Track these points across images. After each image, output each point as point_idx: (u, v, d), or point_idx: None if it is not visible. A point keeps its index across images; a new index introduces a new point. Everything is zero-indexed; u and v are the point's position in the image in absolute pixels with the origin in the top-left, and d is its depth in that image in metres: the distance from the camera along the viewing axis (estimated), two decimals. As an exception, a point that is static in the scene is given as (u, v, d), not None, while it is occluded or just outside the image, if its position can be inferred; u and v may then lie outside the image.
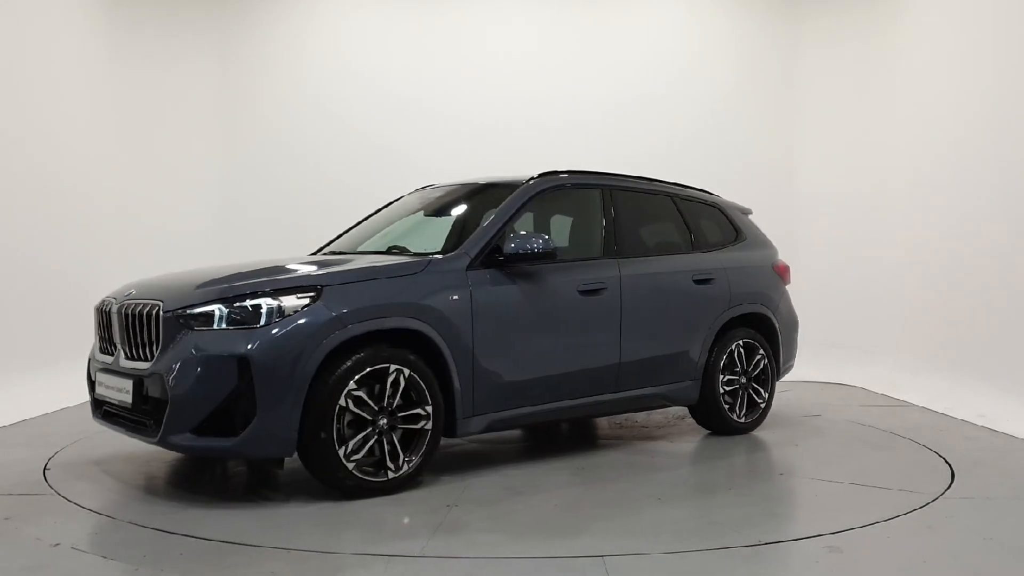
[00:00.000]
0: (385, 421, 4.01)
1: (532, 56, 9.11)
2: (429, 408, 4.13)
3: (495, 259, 4.50)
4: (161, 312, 3.94)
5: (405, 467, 4.07)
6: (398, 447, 4.05)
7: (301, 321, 3.83)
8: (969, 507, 3.96)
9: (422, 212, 5.43)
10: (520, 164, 6.04)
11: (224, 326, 3.83)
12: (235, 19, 9.07)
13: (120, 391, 4.12)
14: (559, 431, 5.90)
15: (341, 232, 5.82)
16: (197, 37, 8.93)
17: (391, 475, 4.03)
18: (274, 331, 3.79)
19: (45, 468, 4.61)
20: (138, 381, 3.99)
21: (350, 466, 3.91)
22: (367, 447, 3.97)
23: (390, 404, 4.02)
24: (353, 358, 3.92)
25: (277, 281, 3.98)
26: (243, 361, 3.73)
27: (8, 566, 3.13)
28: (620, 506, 3.96)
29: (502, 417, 4.53)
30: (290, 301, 3.87)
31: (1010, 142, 6.48)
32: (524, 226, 4.96)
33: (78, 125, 7.91)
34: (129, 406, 4.06)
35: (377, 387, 4.00)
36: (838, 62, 8.94)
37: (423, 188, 5.85)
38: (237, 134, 9.07)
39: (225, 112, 9.05)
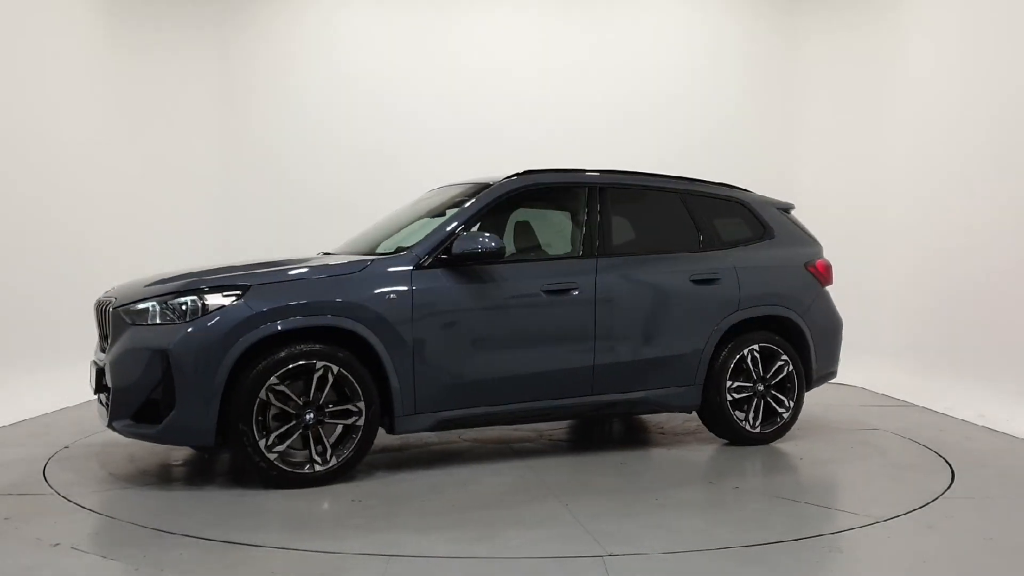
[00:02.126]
0: (311, 416, 4.17)
1: (535, 57, 9.08)
2: (361, 404, 4.25)
3: (446, 259, 4.53)
4: (111, 308, 4.32)
5: (333, 461, 4.22)
6: (325, 441, 4.20)
7: (220, 318, 4.06)
8: (969, 507, 3.96)
9: (432, 212, 5.39)
10: (524, 164, 6.02)
11: (157, 321, 4.15)
12: (235, 17, 9.06)
13: (93, 380, 4.51)
14: (608, 430, 5.85)
15: (357, 234, 5.78)
16: (197, 35, 8.90)
17: (318, 468, 4.20)
18: (194, 327, 4.05)
19: (45, 468, 4.61)
20: (100, 371, 4.37)
21: (272, 457, 4.11)
22: (290, 440, 4.15)
23: (317, 399, 4.18)
24: (274, 354, 4.11)
25: (205, 280, 4.22)
26: (164, 355, 4.02)
27: (8, 566, 3.13)
28: (510, 509, 3.88)
29: (453, 416, 4.54)
30: (215, 299, 4.11)
31: (1011, 143, 6.48)
32: (493, 226, 4.93)
33: (78, 124, 7.90)
34: (94, 393, 4.48)
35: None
36: (840, 67, 8.93)
37: (441, 187, 5.73)
38: (237, 134, 9.06)
39: (225, 111, 9.03)
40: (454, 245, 4.51)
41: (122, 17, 8.53)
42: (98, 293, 4.96)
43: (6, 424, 5.81)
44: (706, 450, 5.22)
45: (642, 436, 5.68)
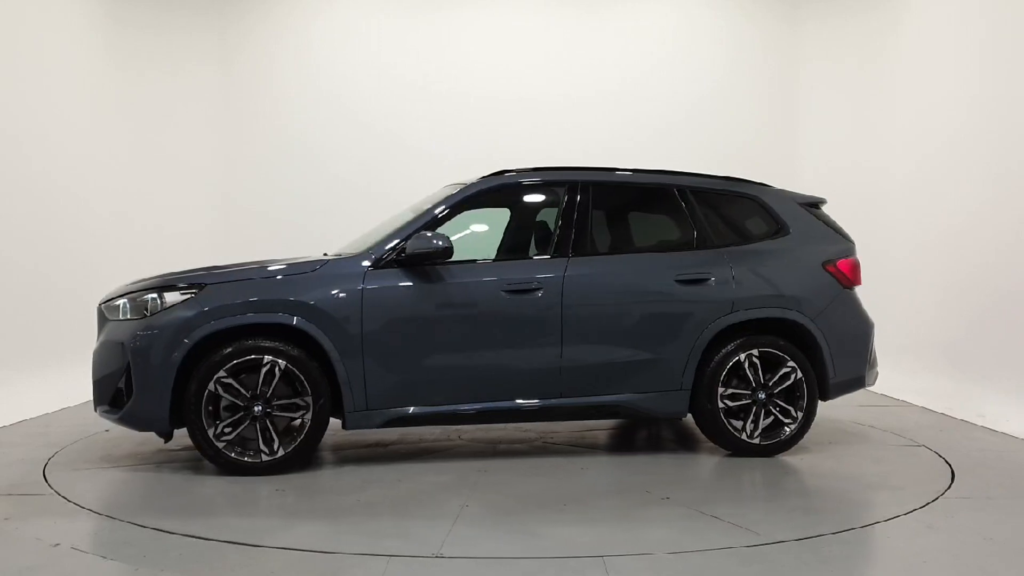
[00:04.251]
0: (260, 408, 4.39)
1: (542, 53, 9.08)
2: (308, 399, 4.43)
3: (401, 259, 4.60)
4: (98, 305, 4.73)
5: (281, 452, 4.43)
6: (272, 432, 4.42)
7: (173, 315, 4.38)
8: (969, 507, 3.96)
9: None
10: (527, 161, 6.01)
11: (127, 317, 4.49)
12: (236, 20, 9.06)
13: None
14: (650, 434, 5.75)
15: (364, 233, 5.76)
16: (197, 38, 8.91)
17: (265, 458, 4.43)
18: (148, 322, 4.39)
19: (45, 468, 4.62)
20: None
21: (220, 445, 4.38)
22: (238, 430, 4.39)
23: (264, 392, 4.39)
24: (223, 349, 4.36)
25: (167, 279, 4.58)
26: (123, 347, 4.37)
27: (8, 566, 3.13)
28: (407, 507, 3.94)
29: (408, 414, 4.58)
30: (172, 297, 4.43)
31: (1011, 141, 6.47)
32: (463, 226, 4.99)
33: (77, 124, 7.90)
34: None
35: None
36: (839, 64, 8.94)
37: (451, 184, 5.73)
38: (238, 135, 9.06)
39: (226, 113, 9.03)
40: (407, 245, 4.57)
41: (122, 20, 8.52)
42: (97, 294, 5.07)
43: (6, 424, 5.81)
44: (695, 460, 4.95)
45: (655, 442, 5.61)
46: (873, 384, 5.38)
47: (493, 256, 5.29)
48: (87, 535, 3.56)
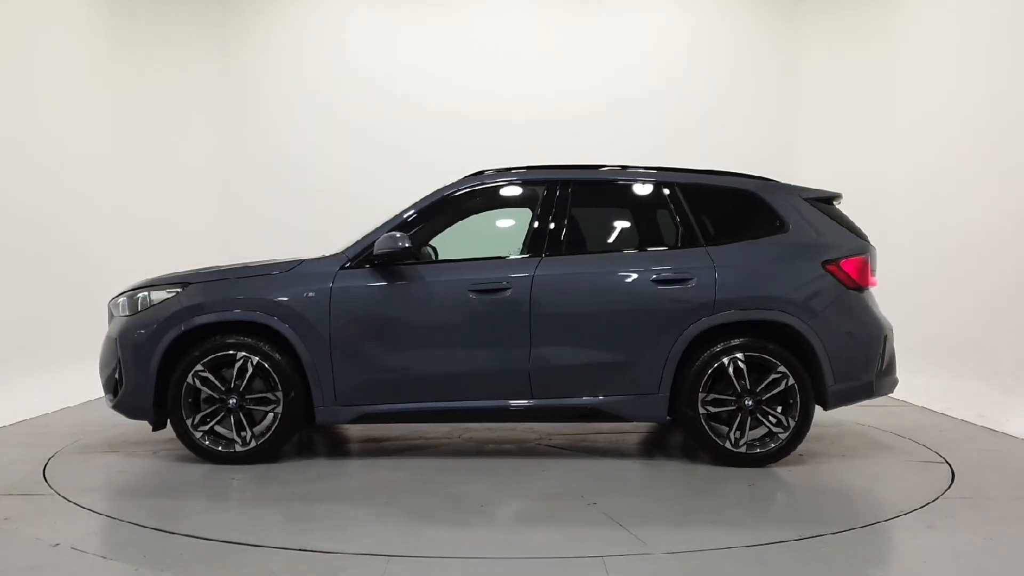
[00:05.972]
0: (234, 401, 4.62)
1: (539, 54, 9.09)
2: (279, 394, 4.61)
3: (371, 259, 4.71)
4: (108, 303, 5.03)
5: (253, 443, 4.64)
6: (245, 425, 4.64)
7: (156, 312, 4.68)
8: (969, 507, 3.96)
9: None
10: (528, 160, 5.99)
11: (124, 313, 4.80)
12: (237, 17, 9.06)
13: None
14: (680, 441, 5.72)
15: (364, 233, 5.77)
16: (198, 36, 8.92)
17: (238, 449, 4.65)
18: (136, 319, 4.71)
19: (45, 468, 4.62)
20: None
21: (198, 435, 4.64)
22: (214, 422, 4.63)
23: (238, 386, 4.61)
24: (201, 344, 4.62)
25: (155, 278, 4.89)
26: (116, 341, 4.70)
27: (8, 566, 3.13)
28: (338, 498, 4.07)
29: (377, 411, 4.67)
30: (159, 295, 4.73)
31: (1011, 141, 6.48)
32: (453, 227, 5.06)
33: (78, 125, 7.90)
34: None
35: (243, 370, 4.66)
36: (839, 60, 8.94)
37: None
38: (239, 134, 9.07)
39: (227, 112, 9.04)
40: (375, 246, 4.65)
41: (124, 16, 8.53)
42: (96, 293, 5.13)
43: (6, 424, 5.81)
44: (685, 468, 4.70)
45: (677, 449, 5.44)
46: (890, 392, 5.05)
47: (473, 256, 5.14)
48: (87, 535, 3.56)
